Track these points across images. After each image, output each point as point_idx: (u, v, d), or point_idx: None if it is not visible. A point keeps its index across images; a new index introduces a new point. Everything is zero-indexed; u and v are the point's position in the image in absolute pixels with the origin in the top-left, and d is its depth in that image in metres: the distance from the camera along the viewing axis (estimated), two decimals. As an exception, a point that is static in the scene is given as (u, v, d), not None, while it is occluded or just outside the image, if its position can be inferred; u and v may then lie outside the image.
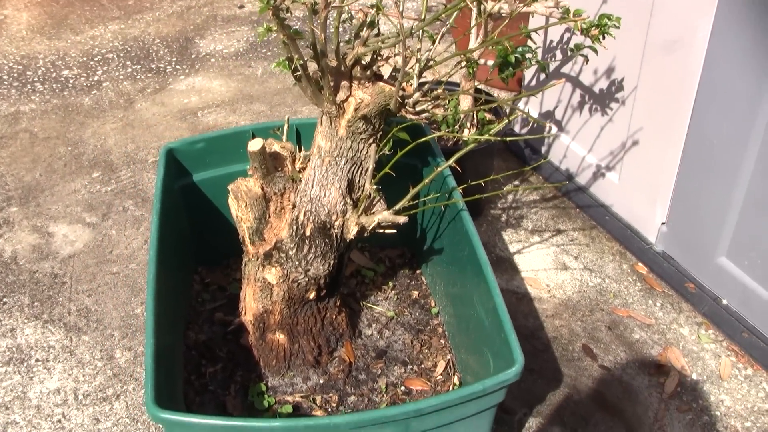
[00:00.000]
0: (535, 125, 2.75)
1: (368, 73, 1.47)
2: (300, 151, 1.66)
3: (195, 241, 2.01)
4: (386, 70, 1.54)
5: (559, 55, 2.48)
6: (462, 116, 2.38)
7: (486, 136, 1.46)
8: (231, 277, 2.06)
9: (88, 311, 2.13)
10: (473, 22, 2.29)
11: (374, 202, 1.62)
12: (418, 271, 2.13)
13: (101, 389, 1.91)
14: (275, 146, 1.62)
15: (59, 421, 1.83)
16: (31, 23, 3.75)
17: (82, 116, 3.04)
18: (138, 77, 3.33)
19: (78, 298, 2.18)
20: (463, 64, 2.00)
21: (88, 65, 3.41)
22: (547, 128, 2.58)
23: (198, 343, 1.86)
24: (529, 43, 2.43)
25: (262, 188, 1.60)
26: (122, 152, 2.83)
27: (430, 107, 1.53)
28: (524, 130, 2.80)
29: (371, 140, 1.55)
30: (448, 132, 2.32)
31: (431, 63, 1.58)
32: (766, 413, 1.90)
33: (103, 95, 3.19)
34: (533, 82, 2.68)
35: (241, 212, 1.60)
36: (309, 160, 1.60)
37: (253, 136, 1.89)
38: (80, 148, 2.84)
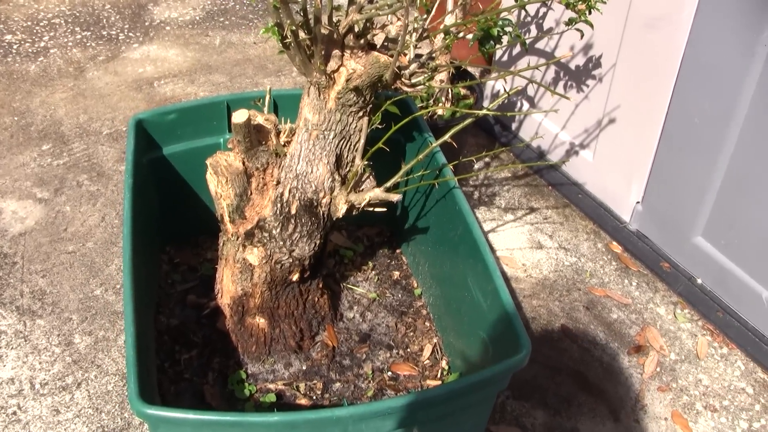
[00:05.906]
0: (505, 101, 2.69)
1: (361, 42, 1.38)
2: (283, 123, 1.56)
3: (163, 218, 1.89)
4: (378, 40, 1.45)
5: (534, 30, 2.42)
6: (437, 91, 2.31)
7: (485, 111, 1.39)
8: (202, 257, 1.95)
9: (43, 293, 2.00)
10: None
11: (363, 179, 1.53)
12: (398, 251, 2.05)
13: (60, 377, 1.79)
14: (259, 118, 1.51)
15: (14, 413, 1.71)
16: (-34, -16, 3.50)
17: (28, 84, 2.85)
18: (88, 44, 3.14)
19: (31, 279, 2.04)
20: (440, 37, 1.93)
21: (33, 30, 3.20)
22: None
23: (170, 327, 1.76)
24: (506, 15, 2.36)
25: (244, 163, 1.50)
26: (74, 123, 2.66)
27: (425, 79, 1.46)
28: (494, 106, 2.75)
29: (362, 113, 1.47)
30: (426, 106, 2.24)
31: (426, 34, 1.50)
32: (742, 391, 1.91)
33: (50, 63, 2.99)
34: (504, 58, 2.62)
35: (220, 188, 1.50)
36: (294, 134, 1.51)
37: (229, 108, 1.78)
38: (28, 119, 2.66)
